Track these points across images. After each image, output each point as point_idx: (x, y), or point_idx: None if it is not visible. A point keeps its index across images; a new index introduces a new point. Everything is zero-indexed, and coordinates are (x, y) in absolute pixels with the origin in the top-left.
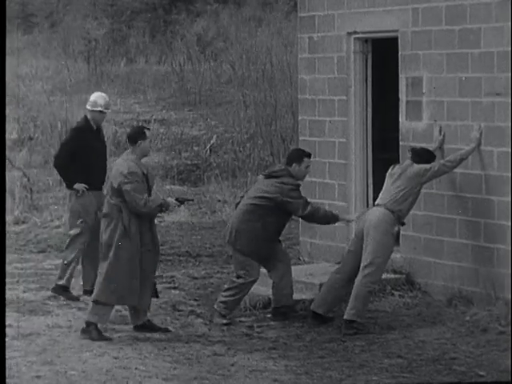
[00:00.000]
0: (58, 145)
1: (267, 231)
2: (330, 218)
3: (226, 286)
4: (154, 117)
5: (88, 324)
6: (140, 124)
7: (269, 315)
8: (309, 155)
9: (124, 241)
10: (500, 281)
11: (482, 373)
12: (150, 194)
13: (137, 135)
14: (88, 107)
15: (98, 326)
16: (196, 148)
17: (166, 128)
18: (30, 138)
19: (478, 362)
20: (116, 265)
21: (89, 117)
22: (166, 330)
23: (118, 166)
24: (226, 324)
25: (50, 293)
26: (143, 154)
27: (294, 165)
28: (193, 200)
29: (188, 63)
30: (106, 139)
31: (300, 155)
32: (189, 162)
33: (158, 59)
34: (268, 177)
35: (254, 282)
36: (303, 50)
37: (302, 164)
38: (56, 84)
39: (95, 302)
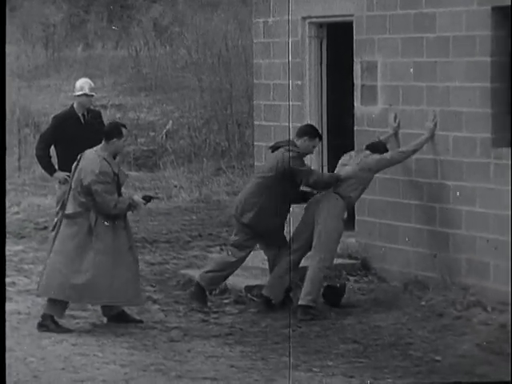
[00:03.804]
0: (15, 131)
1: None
2: (333, 180)
3: None
4: (110, 102)
5: (44, 317)
6: (98, 108)
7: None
8: (321, 137)
9: (88, 240)
10: (455, 266)
11: (437, 357)
12: (119, 193)
13: (113, 132)
14: (74, 94)
15: (55, 317)
16: (152, 133)
17: (122, 113)
18: None
19: (434, 346)
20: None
21: (75, 104)
22: (140, 321)
23: (89, 161)
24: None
25: (9, 279)
26: (116, 152)
27: (305, 138)
28: (159, 198)
29: (144, 48)
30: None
31: (314, 133)
32: (145, 148)
33: (114, 44)
34: (274, 149)
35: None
36: (258, 35)
37: (312, 142)
38: (14, 69)
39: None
